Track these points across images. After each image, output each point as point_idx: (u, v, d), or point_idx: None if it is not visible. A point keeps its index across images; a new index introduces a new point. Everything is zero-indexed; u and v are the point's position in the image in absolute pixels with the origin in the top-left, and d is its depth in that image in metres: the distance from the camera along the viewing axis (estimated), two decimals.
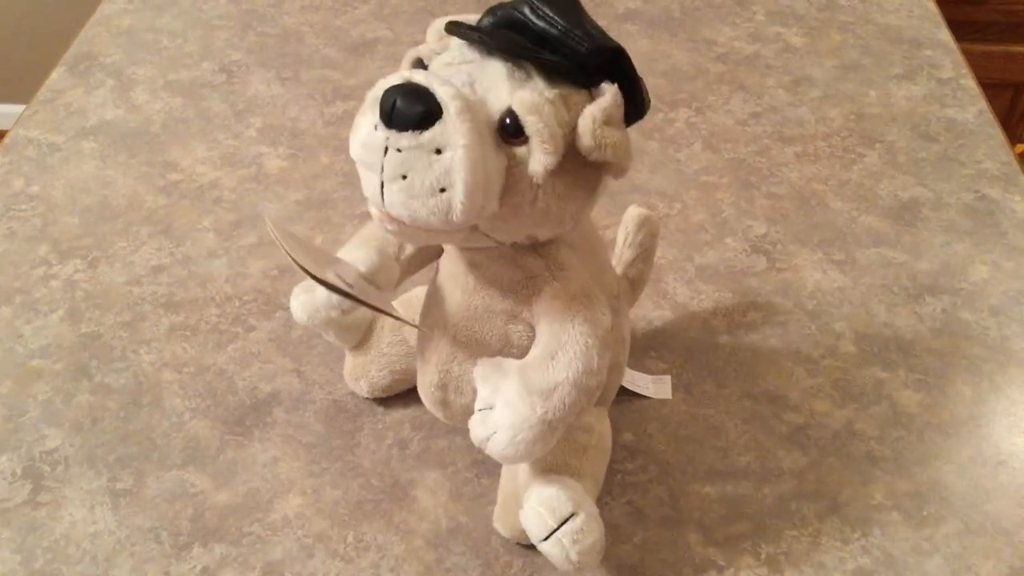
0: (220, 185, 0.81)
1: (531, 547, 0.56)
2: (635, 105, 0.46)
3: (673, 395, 0.65)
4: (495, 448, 0.48)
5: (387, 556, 0.56)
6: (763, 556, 0.56)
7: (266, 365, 0.66)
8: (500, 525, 0.57)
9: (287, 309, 0.70)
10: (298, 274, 0.72)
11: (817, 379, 0.66)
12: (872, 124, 0.89)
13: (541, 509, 0.50)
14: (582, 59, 0.43)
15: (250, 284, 0.72)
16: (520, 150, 0.43)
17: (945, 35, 1.01)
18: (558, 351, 0.48)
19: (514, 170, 0.43)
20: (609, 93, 0.44)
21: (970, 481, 0.60)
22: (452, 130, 0.41)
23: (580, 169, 0.45)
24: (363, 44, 0.98)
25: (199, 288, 0.72)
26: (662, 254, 0.75)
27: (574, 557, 0.49)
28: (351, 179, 0.82)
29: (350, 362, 0.63)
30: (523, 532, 0.55)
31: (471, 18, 0.46)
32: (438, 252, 0.55)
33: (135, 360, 0.67)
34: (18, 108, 1.96)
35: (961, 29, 1.04)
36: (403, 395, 0.64)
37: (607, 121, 0.43)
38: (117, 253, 0.75)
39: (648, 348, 0.68)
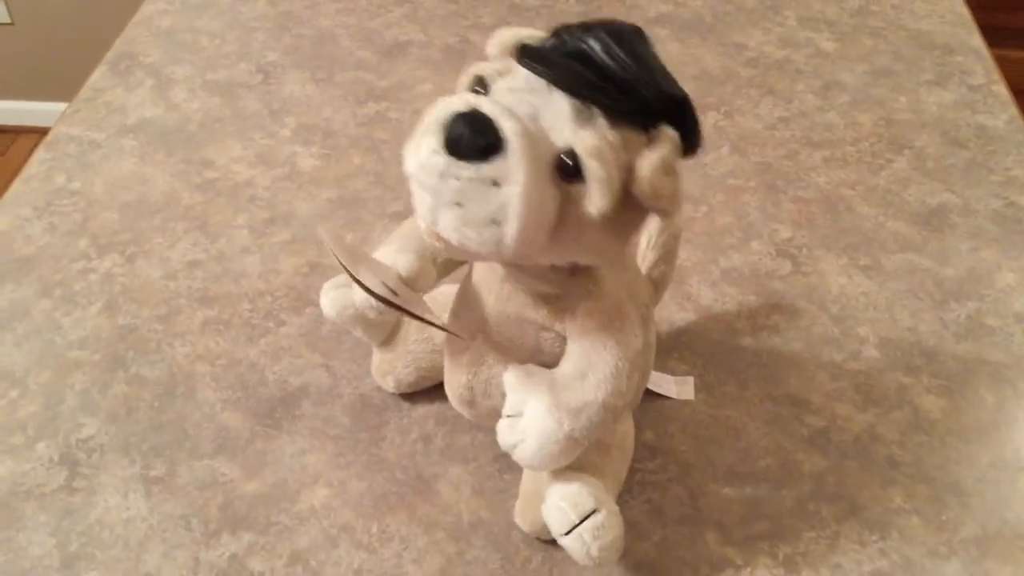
0: (255, 183, 0.83)
1: (551, 542, 0.57)
2: (688, 145, 0.45)
3: (695, 396, 0.66)
4: (521, 456, 0.50)
5: (410, 548, 0.57)
6: (780, 557, 0.57)
7: (296, 359, 0.68)
8: (521, 520, 0.58)
9: (317, 305, 0.71)
10: (328, 271, 0.74)
11: (839, 383, 0.67)
12: (901, 130, 0.89)
13: (563, 504, 0.51)
14: (647, 104, 0.43)
15: (282, 280, 0.74)
16: (575, 189, 0.43)
17: (977, 41, 1.00)
18: (589, 372, 0.49)
19: (567, 207, 0.43)
20: (669, 140, 0.43)
21: (990, 487, 0.60)
22: (513, 166, 0.41)
23: (629, 210, 0.45)
24: (396, 46, 1.00)
25: (232, 284, 0.74)
26: (687, 256, 0.75)
27: (594, 552, 0.50)
28: (382, 179, 0.83)
29: (377, 358, 0.65)
30: (544, 527, 0.56)
31: (535, 34, 0.46)
32: None
33: (169, 352, 0.68)
34: (61, 106, 2.00)
35: (998, 35, 1.04)
36: (428, 391, 0.65)
37: (665, 170, 0.43)
38: (154, 248, 0.77)
39: (671, 349, 0.69)
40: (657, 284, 0.64)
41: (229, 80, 0.95)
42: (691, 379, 0.66)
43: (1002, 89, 0.93)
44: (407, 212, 0.80)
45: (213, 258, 0.76)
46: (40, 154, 0.86)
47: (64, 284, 0.73)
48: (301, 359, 0.68)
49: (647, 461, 0.62)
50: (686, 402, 0.65)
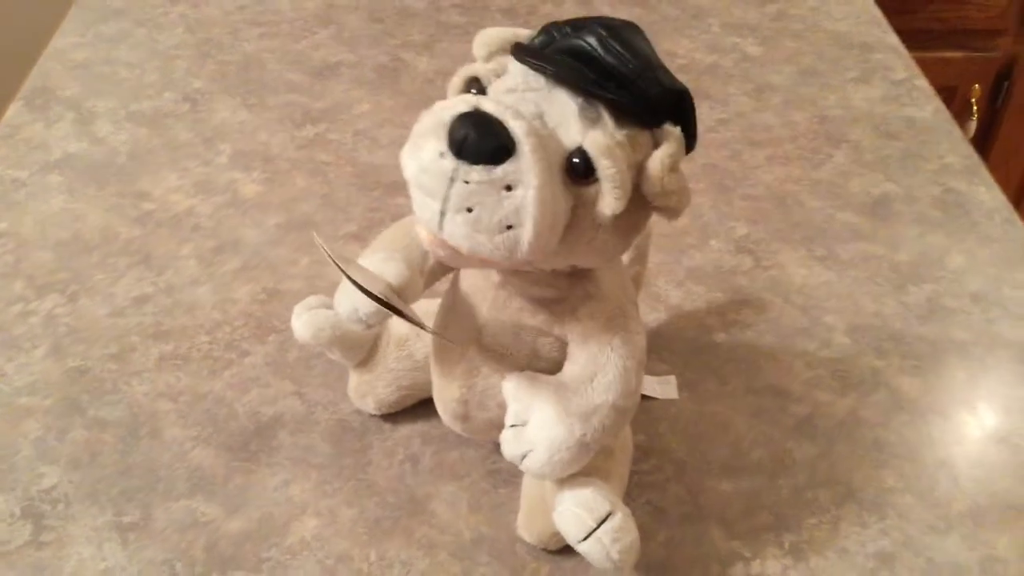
0: (196, 212, 0.79)
1: (558, 553, 0.55)
2: (688, 142, 0.45)
3: (679, 394, 0.65)
4: (531, 466, 0.48)
5: (412, 572, 0.55)
6: (787, 546, 0.57)
7: (265, 389, 0.65)
8: (525, 532, 0.56)
9: (280, 332, 0.69)
10: (287, 296, 0.71)
11: (816, 371, 0.67)
12: (835, 126, 0.91)
13: (578, 510, 0.49)
14: (651, 101, 0.43)
15: (239, 309, 0.71)
16: (587, 190, 0.42)
17: (893, 39, 1.04)
18: (597, 373, 0.48)
19: (578, 210, 0.42)
20: (674, 138, 0.43)
21: (975, 460, 0.62)
22: (526, 168, 0.39)
23: (639, 210, 0.44)
24: (327, 68, 0.98)
25: (186, 316, 0.70)
26: (651, 258, 0.75)
27: (615, 556, 0.49)
28: (330, 200, 0.81)
29: (355, 379, 0.62)
30: (551, 537, 0.54)
31: (522, 32, 0.45)
32: None
33: (128, 392, 0.65)
34: None
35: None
36: (409, 410, 0.63)
37: (673, 168, 0.43)
38: (96, 286, 0.72)
39: (649, 350, 0.67)
40: (633, 284, 0.64)
41: (155, 110, 0.91)
42: (673, 378, 0.66)
43: (924, 83, 0.97)
44: (361, 233, 0.78)
45: (162, 291, 0.72)
46: None
47: (3, 329, 0.69)
48: (271, 388, 0.65)
49: (642, 463, 0.61)
50: (671, 401, 0.65)
